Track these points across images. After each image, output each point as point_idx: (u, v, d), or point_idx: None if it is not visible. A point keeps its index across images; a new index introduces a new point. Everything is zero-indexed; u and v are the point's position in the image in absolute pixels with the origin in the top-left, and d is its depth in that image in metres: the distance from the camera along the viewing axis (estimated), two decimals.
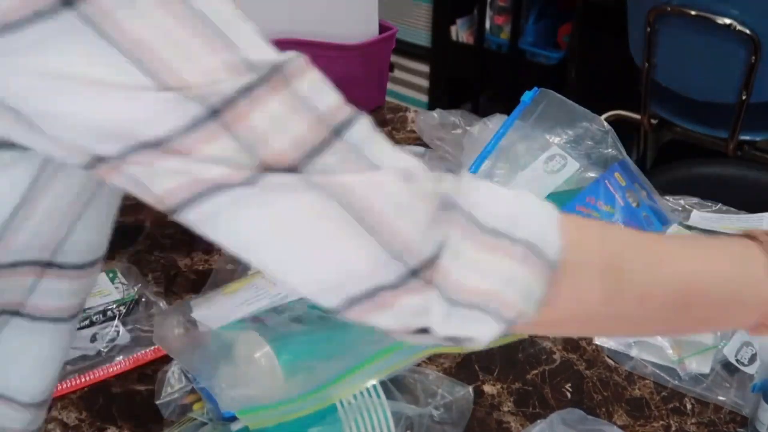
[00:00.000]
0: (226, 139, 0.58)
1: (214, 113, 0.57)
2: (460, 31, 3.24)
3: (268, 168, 0.58)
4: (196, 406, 1.00)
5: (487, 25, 3.17)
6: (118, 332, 1.14)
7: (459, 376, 1.09)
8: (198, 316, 0.99)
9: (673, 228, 1.27)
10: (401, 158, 0.62)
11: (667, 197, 1.40)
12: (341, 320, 1.00)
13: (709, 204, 1.40)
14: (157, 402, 1.03)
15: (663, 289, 0.71)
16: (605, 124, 1.36)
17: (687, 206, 1.40)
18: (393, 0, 3.17)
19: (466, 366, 1.12)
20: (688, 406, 1.09)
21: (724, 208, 1.39)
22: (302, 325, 0.96)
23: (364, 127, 0.62)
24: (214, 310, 0.99)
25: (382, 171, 0.60)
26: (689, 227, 1.30)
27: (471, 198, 0.63)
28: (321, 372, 0.91)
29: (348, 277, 0.61)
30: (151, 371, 1.10)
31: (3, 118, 0.60)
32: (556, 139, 1.33)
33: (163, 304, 1.19)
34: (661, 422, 1.07)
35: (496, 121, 1.37)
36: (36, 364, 0.80)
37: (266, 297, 0.98)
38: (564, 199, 1.28)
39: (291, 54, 0.61)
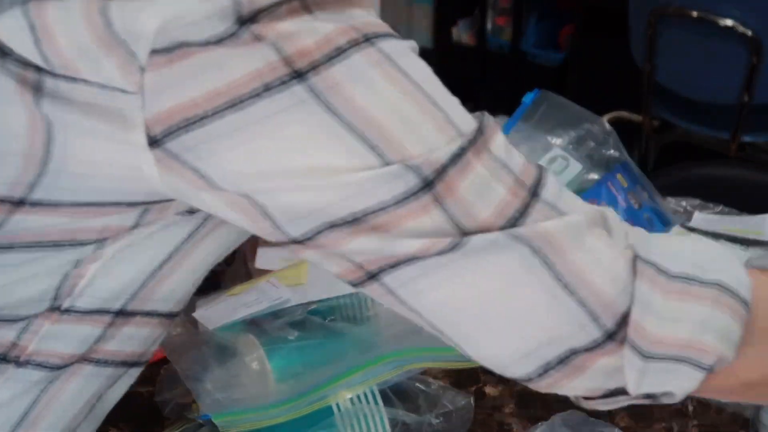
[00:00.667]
0: (436, 212, 0.57)
1: (428, 185, 0.57)
2: (462, 33, 3.24)
3: (470, 234, 0.58)
4: (195, 406, 1.00)
5: (489, 26, 3.17)
6: None
7: (460, 378, 1.09)
8: (198, 315, 0.99)
9: (675, 230, 1.27)
10: (591, 207, 0.62)
11: (669, 199, 1.40)
12: (339, 329, 0.99)
13: (711, 205, 1.39)
14: (157, 399, 1.03)
15: None
16: (607, 125, 1.35)
17: (689, 208, 1.39)
18: (394, 1, 3.17)
19: (468, 367, 1.12)
20: (690, 409, 1.08)
21: (726, 209, 1.38)
22: (298, 331, 0.95)
23: (552, 181, 0.61)
24: (214, 311, 0.99)
25: (577, 214, 0.60)
26: (691, 229, 1.30)
27: (650, 245, 0.61)
28: (309, 379, 0.91)
29: (543, 342, 0.60)
30: (152, 373, 1.09)
31: (234, 205, 0.59)
32: (558, 141, 1.33)
33: None
34: (663, 425, 1.06)
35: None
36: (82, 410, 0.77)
37: (267, 300, 0.98)
38: None
39: (484, 114, 0.61)
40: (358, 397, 0.91)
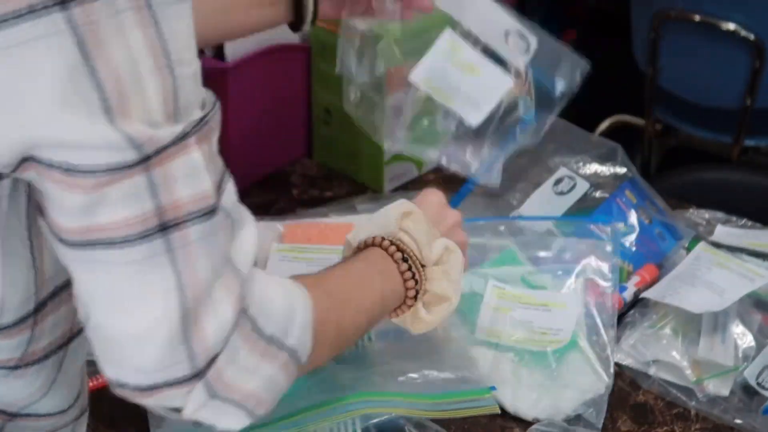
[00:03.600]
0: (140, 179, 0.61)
1: (144, 160, 0.61)
2: None
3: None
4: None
5: None
6: None
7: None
8: None
9: (700, 246, 1.23)
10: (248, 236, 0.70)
11: (691, 210, 1.36)
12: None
13: (734, 219, 1.35)
14: None
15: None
16: (613, 142, 1.34)
17: (712, 221, 1.34)
18: None
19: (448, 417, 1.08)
20: (693, 412, 1.08)
21: (749, 223, 1.34)
22: None
23: (232, 188, 0.69)
24: None
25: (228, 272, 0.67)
26: (716, 244, 1.26)
27: (256, 300, 0.70)
28: (285, 406, 0.90)
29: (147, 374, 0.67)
30: None
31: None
32: (564, 160, 1.31)
33: None
34: (665, 428, 1.06)
35: None
36: None
37: None
38: (577, 220, 1.26)
39: (216, 102, 0.64)
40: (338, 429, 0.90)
